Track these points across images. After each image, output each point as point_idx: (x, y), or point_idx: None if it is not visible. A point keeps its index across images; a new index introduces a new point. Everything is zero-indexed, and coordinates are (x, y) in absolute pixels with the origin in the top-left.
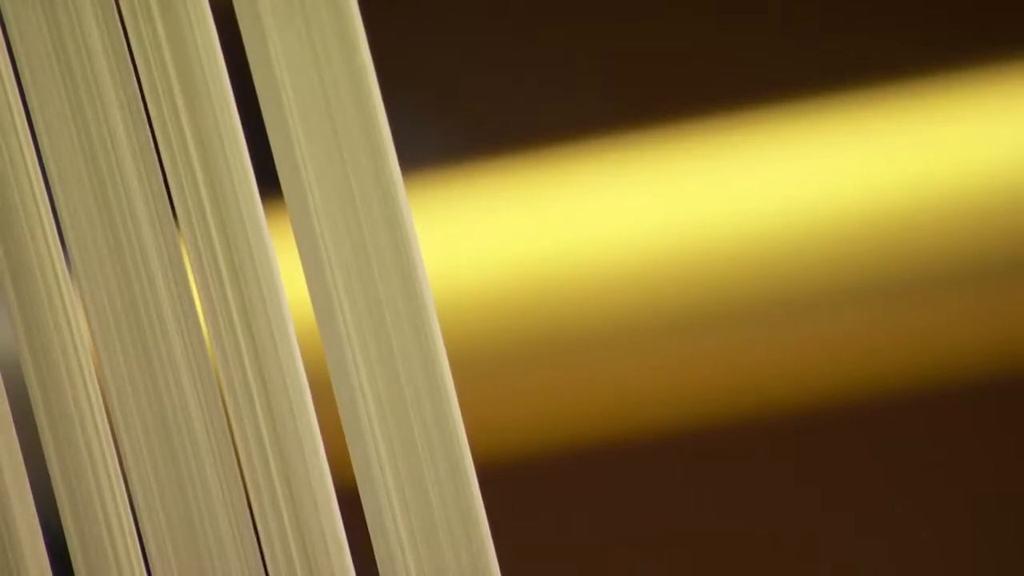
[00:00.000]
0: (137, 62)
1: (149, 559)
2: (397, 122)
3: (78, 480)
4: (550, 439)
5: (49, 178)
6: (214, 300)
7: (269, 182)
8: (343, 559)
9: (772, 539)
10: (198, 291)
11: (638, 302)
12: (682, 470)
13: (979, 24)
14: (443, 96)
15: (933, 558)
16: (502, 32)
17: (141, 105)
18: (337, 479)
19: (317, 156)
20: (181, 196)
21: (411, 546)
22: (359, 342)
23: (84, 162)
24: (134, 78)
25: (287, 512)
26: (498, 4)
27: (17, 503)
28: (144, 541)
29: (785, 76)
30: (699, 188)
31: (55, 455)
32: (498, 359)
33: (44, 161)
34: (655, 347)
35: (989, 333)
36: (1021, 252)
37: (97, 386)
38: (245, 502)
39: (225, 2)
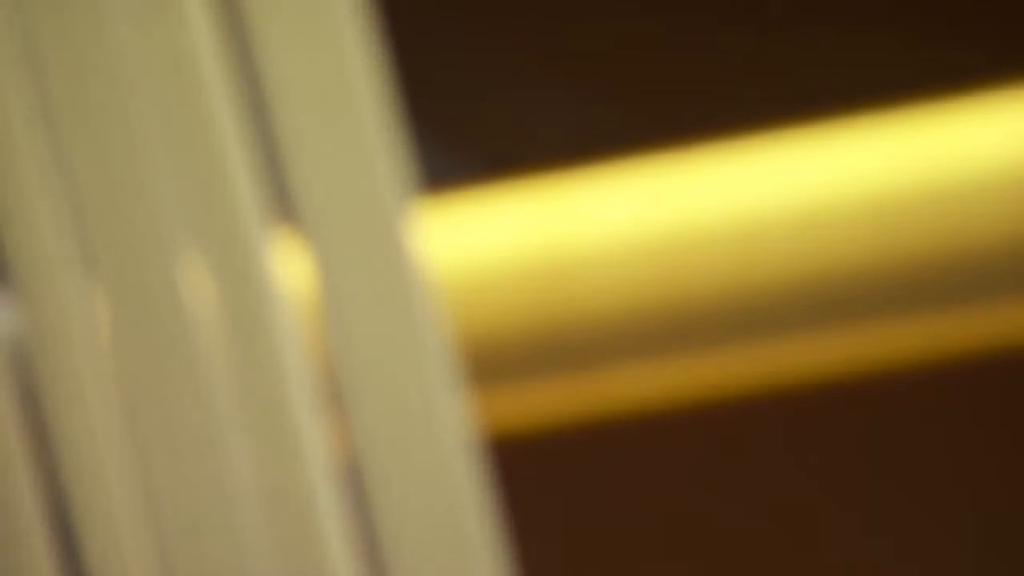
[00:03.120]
0: (148, 69)
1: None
2: (410, 142)
3: (86, 473)
4: (559, 425)
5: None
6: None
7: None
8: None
9: (774, 522)
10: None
11: (648, 300)
12: (692, 451)
13: (1001, 40)
14: (453, 117)
15: (923, 545)
16: (510, 56)
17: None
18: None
19: (331, 173)
20: (187, 203)
21: (413, 540)
22: (364, 343)
23: (106, 156)
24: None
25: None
26: (506, 29)
27: (25, 494)
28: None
29: (791, 92)
30: (706, 203)
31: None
32: (515, 362)
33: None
34: (664, 346)
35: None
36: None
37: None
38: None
39: (244, 25)
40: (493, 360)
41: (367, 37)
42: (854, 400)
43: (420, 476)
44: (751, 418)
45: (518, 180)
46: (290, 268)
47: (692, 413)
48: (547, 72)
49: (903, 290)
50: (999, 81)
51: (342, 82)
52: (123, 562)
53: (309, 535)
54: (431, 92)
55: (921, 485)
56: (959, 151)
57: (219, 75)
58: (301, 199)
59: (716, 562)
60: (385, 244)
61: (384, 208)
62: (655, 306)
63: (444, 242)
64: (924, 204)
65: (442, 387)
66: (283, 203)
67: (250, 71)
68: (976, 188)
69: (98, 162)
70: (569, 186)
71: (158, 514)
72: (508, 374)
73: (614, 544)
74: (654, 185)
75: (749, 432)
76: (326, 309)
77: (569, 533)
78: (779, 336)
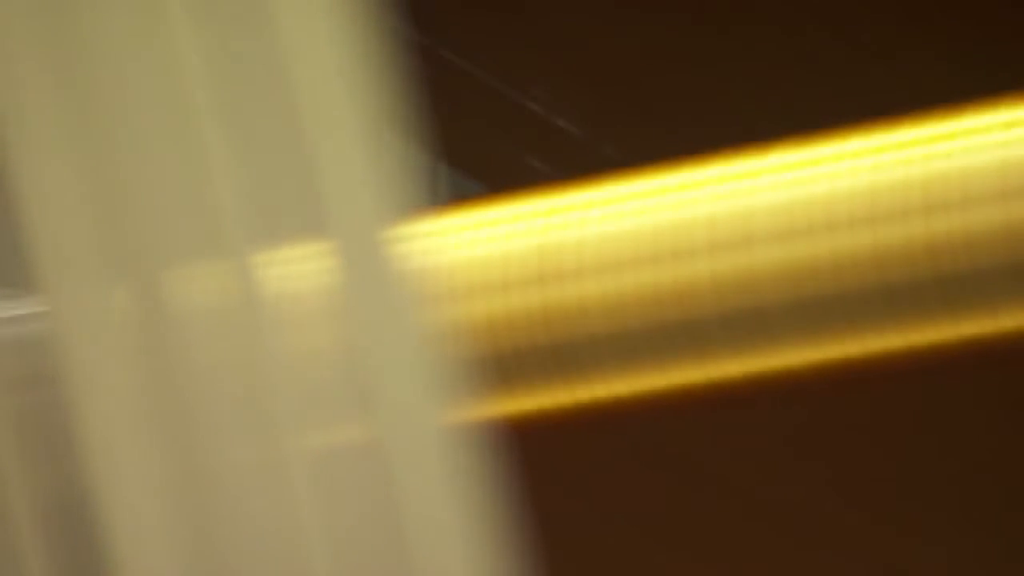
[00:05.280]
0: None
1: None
2: (419, 160)
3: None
4: (566, 414)
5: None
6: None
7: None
8: None
9: (761, 511)
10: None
11: (639, 302)
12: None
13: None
14: (456, 135)
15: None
16: (511, 81)
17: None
18: None
19: (346, 186)
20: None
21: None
22: (368, 343)
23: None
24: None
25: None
26: (501, 63)
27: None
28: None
29: (781, 107)
30: (696, 214)
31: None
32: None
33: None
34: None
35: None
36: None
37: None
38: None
39: (275, 53)
40: (494, 358)
41: (384, 67)
42: (844, 396)
43: (428, 462)
44: (740, 413)
45: (517, 194)
46: (297, 272)
47: (683, 408)
48: (544, 95)
49: (892, 292)
50: (989, 96)
51: (359, 102)
52: (145, 545)
53: (295, 520)
54: (437, 111)
55: (915, 475)
56: (952, 159)
57: (216, 95)
58: (314, 210)
59: (712, 552)
60: (395, 254)
61: (393, 218)
62: (646, 308)
63: (449, 250)
64: (917, 210)
65: (445, 380)
66: (294, 213)
67: (274, 92)
68: (968, 195)
69: (121, 175)
70: (565, 199)
71: (174, 500)
72: (509, 371)
73: (611, 534)
74: (644, 198)
75: (739, 426)
76: (336, 311)
77: (566, 518)
78: (770, 337)
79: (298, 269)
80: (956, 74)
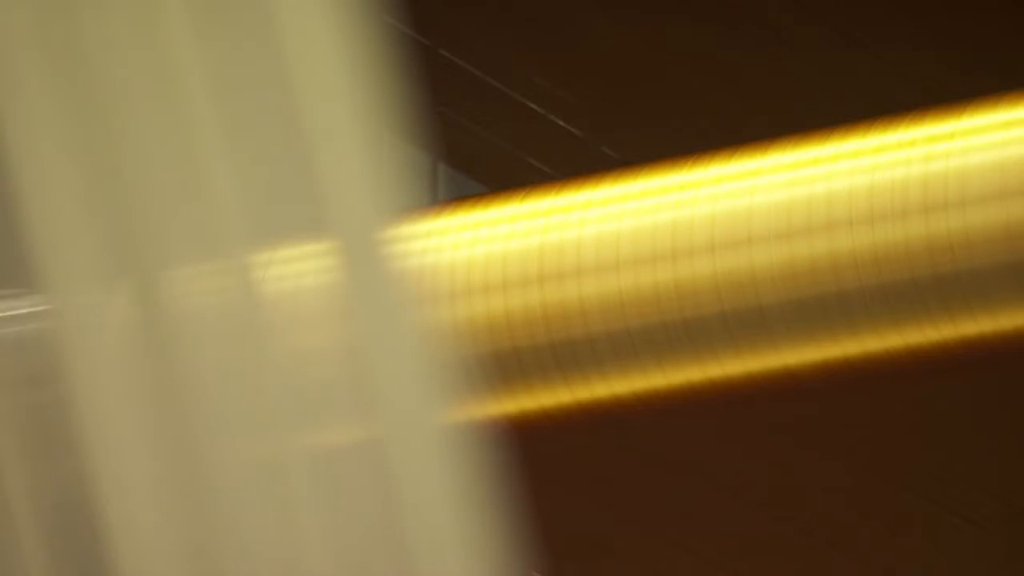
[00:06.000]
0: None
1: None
2: (422, 160)
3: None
4: (568, 417)
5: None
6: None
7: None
8: None
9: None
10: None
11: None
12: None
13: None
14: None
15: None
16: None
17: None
18: None
19: (348, 188)
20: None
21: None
22: (368, 342)
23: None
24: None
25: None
26: (501, 70)
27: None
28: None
29: (780, 105)
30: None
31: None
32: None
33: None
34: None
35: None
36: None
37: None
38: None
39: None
40: (494, 358)
41: (386, 71)
42: (844, 395)
43: (428, 461)
44: (740, 412)
45: (517, 194)
46: (297, 272)
47: (683, 408)
48: (544, 94)
49: (892, 292)
50: (989, 96)
51: (359, 102)
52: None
53: (291, 513)
54: (437, 110)
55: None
56: (951, 159)
57: (216, 96)
58: (314, 210)
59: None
60: (395, 254)
61: (393, 218)
62: (646, 308)
63: (449, 250)
64: (917, 210)
65: (445, 380)
66: (294, 213)
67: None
68: (967, 195)
69: (121, 176)
70: (565, 199)
71: (174, 499)
72: (509, 371)
73: (612, 532)
74: (644, 198)
75: (738, 425)
76: (336, 311)
77: (566, 517)
78: (770, 336)
79: (298, 269)
80: (956, 74)
